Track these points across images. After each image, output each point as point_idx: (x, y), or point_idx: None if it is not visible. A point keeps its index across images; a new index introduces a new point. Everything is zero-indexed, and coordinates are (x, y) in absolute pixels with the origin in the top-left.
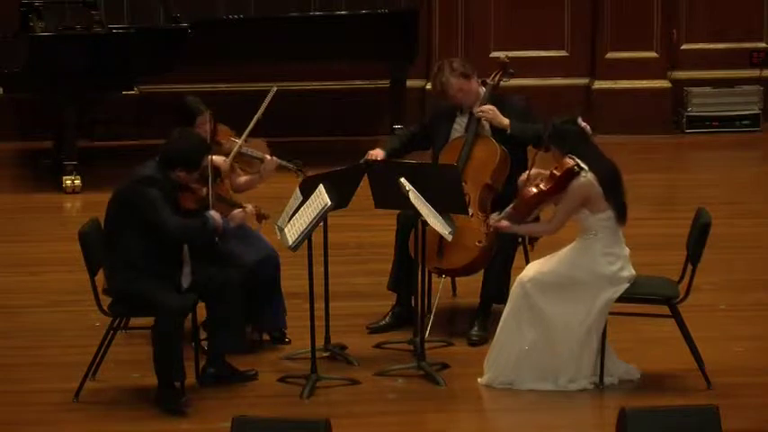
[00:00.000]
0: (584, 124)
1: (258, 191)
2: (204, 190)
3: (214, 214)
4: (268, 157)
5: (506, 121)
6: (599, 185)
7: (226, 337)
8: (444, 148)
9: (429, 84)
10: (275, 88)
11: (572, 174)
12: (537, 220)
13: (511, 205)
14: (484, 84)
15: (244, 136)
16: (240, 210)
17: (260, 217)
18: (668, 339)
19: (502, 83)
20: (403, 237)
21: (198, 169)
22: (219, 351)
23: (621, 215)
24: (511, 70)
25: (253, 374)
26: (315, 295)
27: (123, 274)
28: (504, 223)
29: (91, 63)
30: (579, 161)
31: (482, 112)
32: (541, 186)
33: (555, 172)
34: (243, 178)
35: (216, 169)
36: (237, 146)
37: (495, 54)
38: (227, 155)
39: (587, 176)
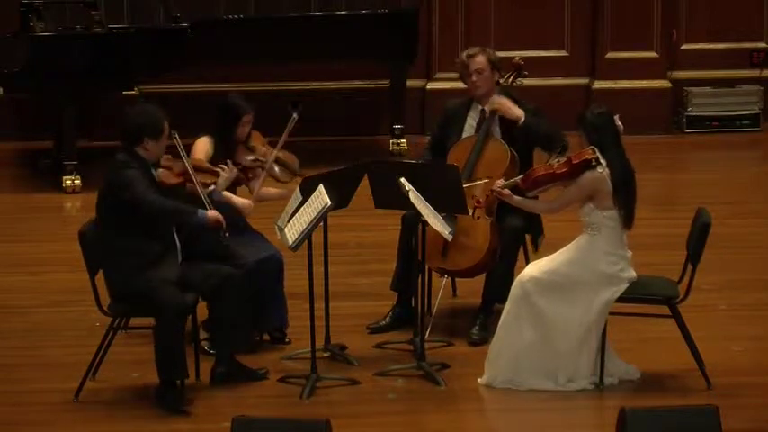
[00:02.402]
0: (619, 123)
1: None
2: (180, 163)
3: (209, 213)
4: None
5: (519, 113)
6: (611, 184)
7: (228, 335)
8: (453, 148)
9: (429, 84)
10: (295, 116)
11: (588, 165)
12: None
13: (519, 177)
14: (498, 83)
15: (280, 144)
16: (222, 174)
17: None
18: (668, 339)
19: (515, 84)
20: (408, 238)
21: (163, 134)
22: (226, 350)
23: (627, 219)
24: (525, 72)
25: (264, 373)
26: (315, 295)
27: (122, 274)
28: (507, 192)
29: (91, 63)
30: (599, 155)
31: (497, 104)
32: (555, 168)
33: (573, 159)
34: (272, 190)
35: (241, 167)
36: (273, 155)
37: (501, 54)
38: (260, 158)
39: (602, 172)
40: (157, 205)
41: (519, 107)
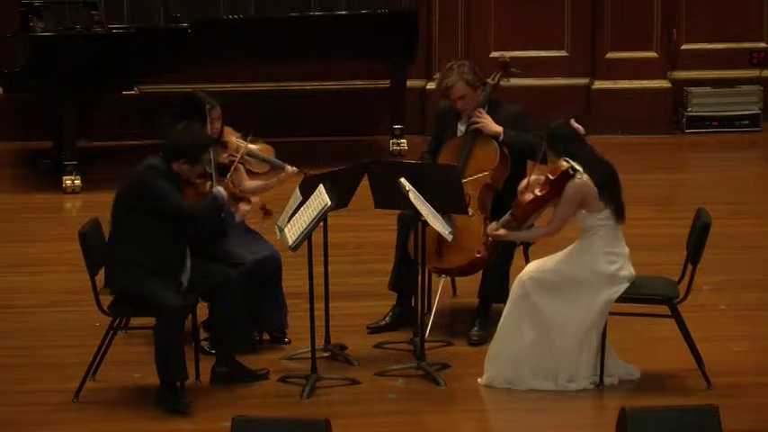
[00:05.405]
0: (576, 125)
1: None
2: (208, 185)
3: (220, 189)
4: (289, 167)
5: (499, 129)
6: (594, 186)
7: (228, 335)
8: (445, 147)
9: (429, 84)
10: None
11: (567, 176)
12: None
13: (509, 213)
14: (485, 84)
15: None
16: (245, 203)
17: (266, 212)
18: (668, 339)
19: (502, 83)
20: (404, 237)
21: (199, 163)
22: (226, 350)
23: (619, 214)
24: (512, 70)
25: (264, 373)
26: (315, 295)
27: (125, 272)
28: (502, 232)
29: (91, 63)
30: (574, 163)
31: (476, 117)
32: (537, 192)
33: (550, 176)
34: (253, 183)
35: (220, 165)
36: (245, 147)
37: (495, 54)
38: (232, 154)
39: (582, 178)
40: (196, 210)
41: (502, 109)
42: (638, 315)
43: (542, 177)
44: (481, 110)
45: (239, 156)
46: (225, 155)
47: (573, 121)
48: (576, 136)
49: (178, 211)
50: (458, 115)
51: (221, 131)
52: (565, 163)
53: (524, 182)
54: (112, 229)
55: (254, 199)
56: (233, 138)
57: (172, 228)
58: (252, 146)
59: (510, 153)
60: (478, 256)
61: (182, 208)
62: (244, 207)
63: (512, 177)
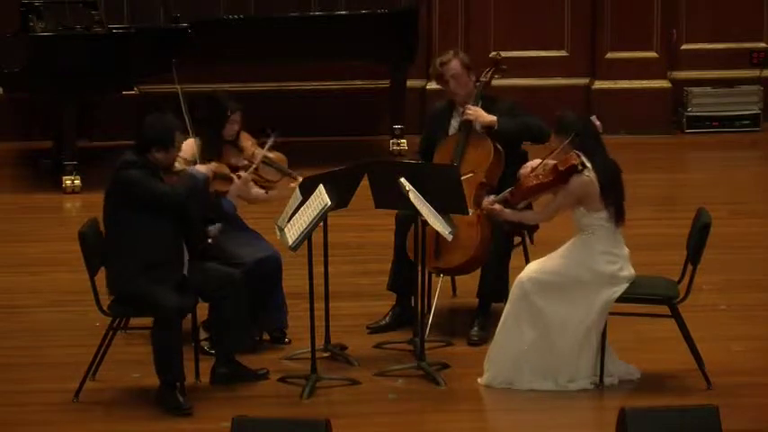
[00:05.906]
0: (597, 123)
1: None
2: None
3: (197, 166)
4: (300, 178)
5: (492, 118)
6: (598, 185)
7: (228, 335)
8: (438, 147)
9: (429, 84)
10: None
11: (574, 170)
12: (528, 207)
13: (508, 190)
14: (477, 81)
15: (267, 146)
16: (236, 181)
17: (264, 184)
18: (668, 339)
19: (494, 80)
20: (402, 237)
21: (174, 147)
22: (226, 350)
23: (619, 216)
24: (503, 66)
25: (264, 373)
26: (315, 295)
27: (123, 274)
28: (497, 206)
29: (91, 63)
30: (584, 158)
31: (467, 112)
32: (541, 178)
33: (558, 166)
34: (260, 190)
35: (234, 168)
36: (261, 155)
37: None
38: (249, 159)
39: (589, 175)
40: (179, 192)
41: (496, 104)
42: (638, 315)
43: (551, 163)
44: (470, 105)
45: (255, 162)
46: (241, 159)
47: (594, 118)
48: (593, 133)
49: (162, 197)
50: (450, 113)
51: (238, 135)
52: (575, 156)
53: (532, 163)
54: (106, 231)
55: (244, 175)
56: (248, 143)
57: (165, 222)
58: (268, 153)
59: (508, 140)
60: (470, 229)
61: (165, 193)
62: (233, 187)
63: (506, 175)
